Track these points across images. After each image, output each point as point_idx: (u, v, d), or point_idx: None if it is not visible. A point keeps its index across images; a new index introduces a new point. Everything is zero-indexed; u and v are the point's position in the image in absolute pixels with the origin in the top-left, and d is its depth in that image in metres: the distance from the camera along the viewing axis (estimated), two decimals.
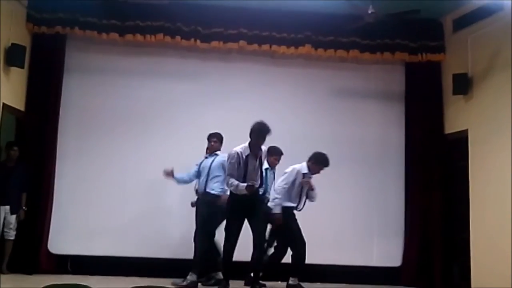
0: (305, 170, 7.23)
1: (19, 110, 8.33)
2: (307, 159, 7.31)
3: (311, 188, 7.23)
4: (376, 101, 9.22)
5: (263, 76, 9.02)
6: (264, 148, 6.80)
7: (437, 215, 8.77)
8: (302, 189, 7.21)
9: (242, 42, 8.80)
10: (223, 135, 7.64)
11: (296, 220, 7.15)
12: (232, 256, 6.64)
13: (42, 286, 4.41)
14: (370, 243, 8.11)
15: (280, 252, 7.36)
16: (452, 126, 8.92)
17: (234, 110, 8.53)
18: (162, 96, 8.79)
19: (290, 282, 7.08)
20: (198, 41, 8.73)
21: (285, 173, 7.28)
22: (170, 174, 7.55)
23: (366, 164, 8.48)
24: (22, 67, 8.13)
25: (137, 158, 8.36)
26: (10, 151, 8.01)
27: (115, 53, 8.86)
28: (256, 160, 6.72)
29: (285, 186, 7.14)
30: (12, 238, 7.86)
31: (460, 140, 8.65)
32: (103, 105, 8.69)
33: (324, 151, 7.34)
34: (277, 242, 7.46)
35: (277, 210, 7.06)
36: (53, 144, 8.44)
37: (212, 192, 7.28)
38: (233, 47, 8.84)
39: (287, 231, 7.12)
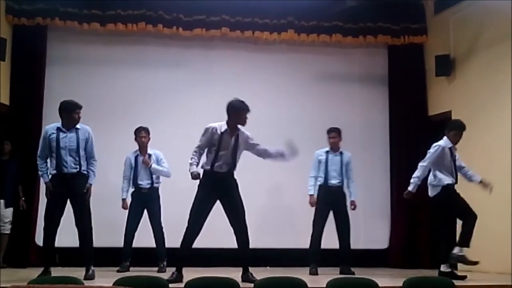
0: (449, 144, 6.91)
1: (3, 104, 8.25)
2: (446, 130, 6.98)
3: None
4: (360, 84, 9.28)
5: (246, 62, 9.02)
6: (246, 132, 6.28)
7: (422, 196, 8.83)
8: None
9: (224, 29, 8.78)
10: None
11: None
12: (191, 245, 6.11)
13: (31, 279, 4.41)
14: (357, 226, 8.14)
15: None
16: (435, 107, 8.98)
17: (218, 97, 8.40)
18: (145, 85, 8.75)
19: (442, 269, 6.85)
20: (180, 28, 8.71)
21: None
22: None
23: (351, 147, 8.46)
24: (3, 60, 8.04)
25: (122, 148, 8.31)
26: (3, 145, 7.98)
27: (97, 43, 8.80)
28: (232, 140, 6.11)
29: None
30: (8, 232, 7.84)
31: (444, 122, 8.67)
32: (87, 96, 8.54)
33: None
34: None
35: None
36: (38, 137, 8.35)
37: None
38: (215, 34, 8.82)
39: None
